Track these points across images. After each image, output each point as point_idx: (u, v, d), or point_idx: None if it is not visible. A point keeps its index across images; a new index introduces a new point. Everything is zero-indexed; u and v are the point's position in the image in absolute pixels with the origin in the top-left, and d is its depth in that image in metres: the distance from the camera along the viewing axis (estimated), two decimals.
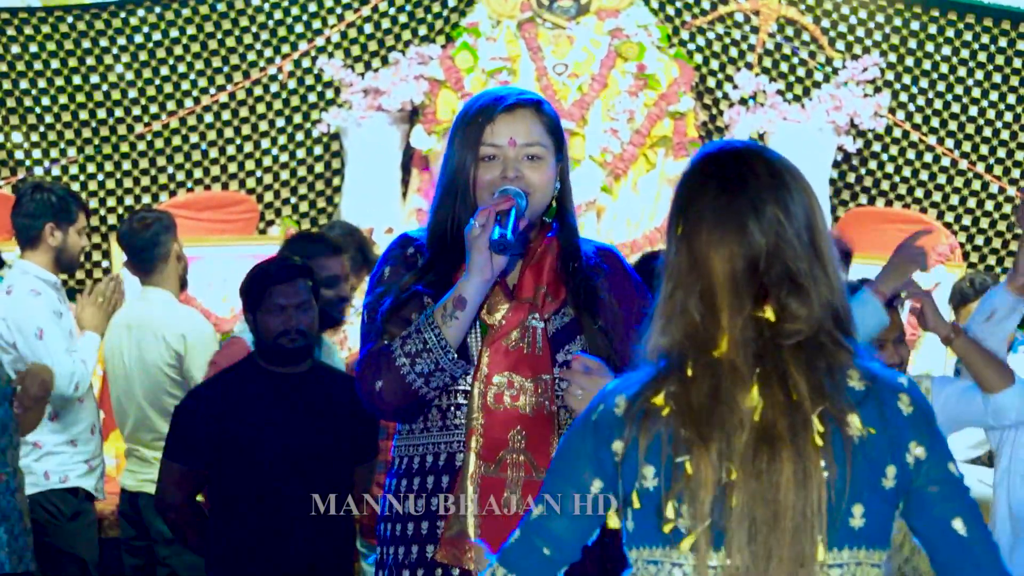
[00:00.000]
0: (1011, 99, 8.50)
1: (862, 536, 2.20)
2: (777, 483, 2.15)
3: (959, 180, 8.57)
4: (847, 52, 8.53)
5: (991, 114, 8.52)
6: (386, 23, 8.66)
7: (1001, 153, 8.53)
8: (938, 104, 8.54)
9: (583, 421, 2.29)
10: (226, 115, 8.65)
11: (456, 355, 3.13)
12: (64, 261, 6.05)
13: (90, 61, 8.57)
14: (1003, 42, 8.48)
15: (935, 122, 8.55)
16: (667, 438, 2.19)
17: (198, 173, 8.66)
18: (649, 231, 8.16)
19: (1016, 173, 8.53)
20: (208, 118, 8.65)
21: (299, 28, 8.64)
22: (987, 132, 8.53)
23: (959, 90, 8.52)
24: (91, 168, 8.60)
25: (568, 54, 8.48)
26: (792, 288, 2.22)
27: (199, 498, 5.12)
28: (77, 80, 8.57)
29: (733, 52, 8.63)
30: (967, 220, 8.58)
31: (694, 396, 2.19)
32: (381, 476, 4.79)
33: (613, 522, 2.26)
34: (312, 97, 8.66)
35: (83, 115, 8.59)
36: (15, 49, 8.54)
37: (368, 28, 8.66)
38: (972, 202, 8.57)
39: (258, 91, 8.65)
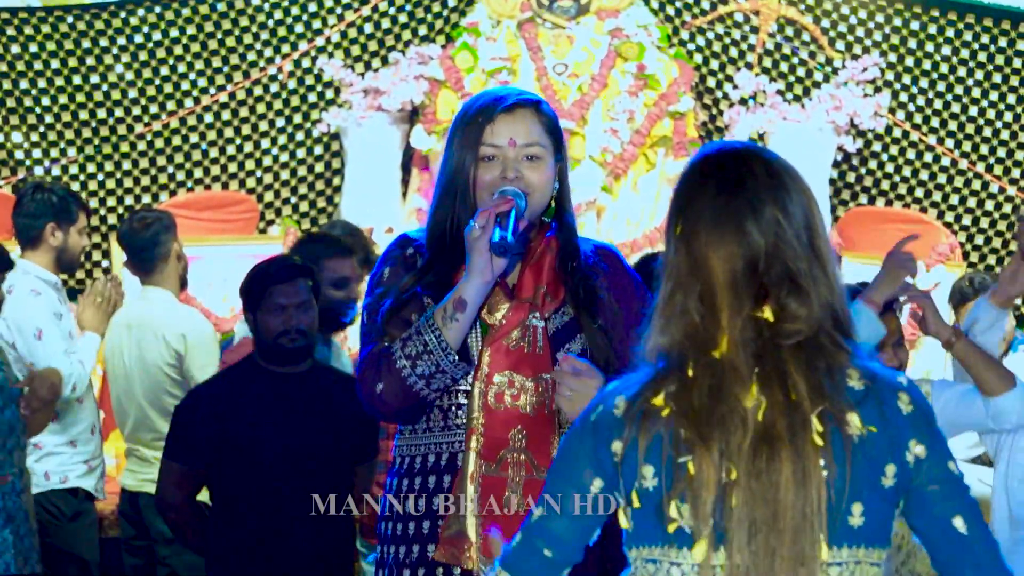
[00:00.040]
0: (1011, 99, 8.50)
1: (861, 535, 2.20)
2: (777, 483, 2.15)
3: (959, 180, 8.57)
4: (847, 52, 8.53)
5: (991, 114, 8.52)
6: (386, 23, 8.67)
7: (1001, 153, 8.54)
8: (938, 104, 8.54)
9: (583, 422, 2.29)
10: (226, 115, 8.66)
11: (457, 357, 3.13)
12: (65, 261, 6.06)
13: (90, 61, 8.57)
14: (1003, 42, 8.48)
15: (935, 122, 8.56)
16: (667, 438, 2.20)
17: (198, 173, 8.67)
18: (649, 231, 8.16)
19: (1016, 173, 8.53)
20: (208, 118, 8.65)
21: (299, 28, 8.64)
22: (987, 132, 8.53)
23: (959, 90, 8.52)
24: (91, 168, 8.61)
25: (568, 54, 8.48)
26: (792, 288, 2.22)
27: (202, 496, 5.12)
28: (77, 80, 8.57)
29: (733, 52, 8.64)
30: (967, 220, 8.58)
31: (694, 396, 2.19)
32: (381, 476, 4.80)
33: (624, 521, 2.26)
34: (312, 97, 8.66)
35: (83, 115, 8.59)
36: (15, 49, 8.54)
37: (368, 28, 8.66)
38: (972, 202, 8.58)
39: (258, 91, 8.66)
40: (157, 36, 8.58)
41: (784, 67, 8.60)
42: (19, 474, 5.02)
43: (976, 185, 8.56)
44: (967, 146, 8.54)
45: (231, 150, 8.68)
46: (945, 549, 2.27)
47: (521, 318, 3.22)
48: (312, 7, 8.62)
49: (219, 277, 8.01)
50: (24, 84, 8.56)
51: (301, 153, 8.69)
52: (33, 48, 8.55)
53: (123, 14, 8.57)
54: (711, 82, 8.66)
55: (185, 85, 8.62)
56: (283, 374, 4.97)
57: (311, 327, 4.98)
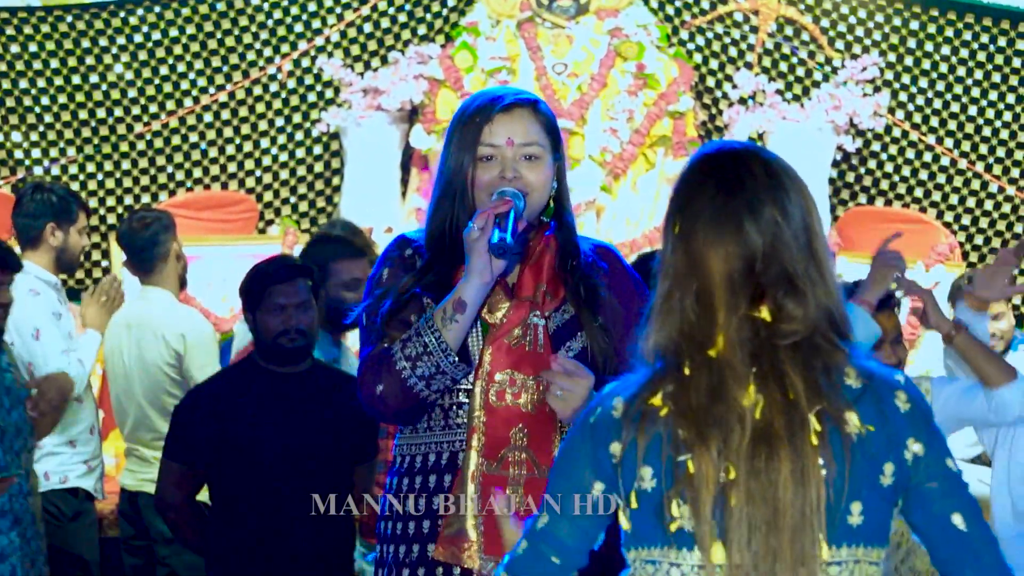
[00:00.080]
0: (1011, 99, 8.50)
1: (861, 534, 2.20)
2: (776, 482, 2.15)
3: (959, 180, 8.57)
4: (846, 52, 8.53)
5: (991, 114, 8.52)
6: (386, 22, 8.66)
7: (1001, 153, 8.53)
8: (938, 104, 8.54)
9: (581, 425, 2.29)
10: (226, 115, 8.66)
11: (457, 358, 3.13)
12: (65, 261, 6.06)
13: (90, 61, 8.57)
14: (1003, 42, 8.48)
15: (934, 122, 8.56)
16: (666, 438, 2.20)
17: (198, 173, 8.67)
18: (649, 231, 8.16)
19: (1016, 173, 8.53)
20: (208, 118, 8.65)
21: (299, 28, 8.64)
22: (987, 132, 8.53)
23: (959, 90, 8.52)
24: (91, 168, 8.60)
25: (567, 54, 8.48)
26: (789, 289, 2.22)
27: (202, 496, 5.12)
28: (77, 80, 8.57)
29: (732, 52, 8.64)
30: (967, 220, 8.58)
31: (692, 395, 2.19)
32: (382, 476, 4.80)
33: (624, 522, 2.26)
34: (312, 97, 8.66)
35: (83, 115, 8.59)
36: (15, 49, 8.54)
37: (368, 27, 8.66)
38: (972, 202, 8.58)
39: (258, 91, 8.65)
40: (157, 36, 8.58)
41: (783, 67, 8.60)
42: (26, 476, 5.01)
43: (975, 185, 8.56)
44: (967, 146, 8.54)
45: (231, 150, 8.68)
46: (944, 546, 2.27)
47: (522, 317, 3.23)
48: (312, 7, 8.62)
49: (219, 277, 8.01)
50: (24, 84, 8.56)
51: (301, 153, 8.69)
52: (33, 48, 8.54)
53: (123, 14, 8.57)
54: (710, 82, 8.66)
55: (185, 85, 8.62)
56: (283, 374, 4.97)
57: (311, 327, 4.98)
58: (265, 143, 8.67)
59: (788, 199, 2.25)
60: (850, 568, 2.20)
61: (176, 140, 8.63)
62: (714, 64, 8.65)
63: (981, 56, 8.49)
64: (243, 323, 5.42)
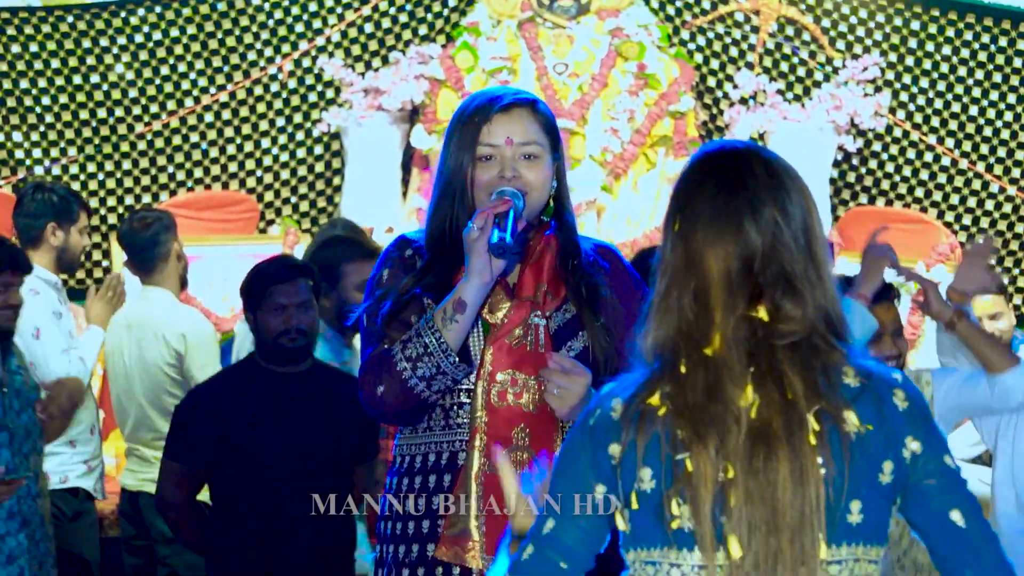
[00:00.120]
0: (1011, 99, 8.50)
1: (860, 532, 2.20)
2: (775, 482, 2.15)
3: (959, 180, 8.57)
4: (847, 52, 8.53)
5: (991, 114, 8.52)
6: (386, 23, 8.66)
7: (1001, 153, 8.54)
8: (938, 104, 8.54)
9: (581, 427, 2.29)
10: (226, 115, 8.66)
11: (457, 358, 3.13)
12: (66, 261, 6.06)
13: (90, 61, 8.57)
14: (1003, 42, 8.48)
15: (935, 122, 8.56)
16: (664, 438, 2.20)
17: (198, 173, 8.67)
18: (649, 230, 8.16)
19: (1016, 173, 8.53)
20: (208, 118, 8.65)
21: (299, 28, 8.64)
22: (987, 132, 8.53)
23: (959, 90, 8.52)
24: (91, 168, 8.60)
25: (568, 54, 8.48)
26: (787, 289, 2.22)
27: (202, 496, 5.12)
28: (77, 80, 8.57)
29: (733, 52, 8.64)
30: (967, 220, 8.58)
31: (688, 394, 2.19)
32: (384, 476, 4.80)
33: (621, 523, 2.26)
34: (312, 97, 8.66)
35: (83, 115, 8.59)
36: (15, 49, 8.54)
37: (368, 27, 8.66)
38: (972, 202, 8.58)
39: (258, 91, 8.65)
40: (157, 36, 8.58)
41: (784, 67, 8.60)
42: (35, 478, 5.00)
43: (976, 185, 8.56)
44: (967, 146, 8.54)
45: (231, 150, 8.68)
46: (944, 543, 2.26)
47: (523, 316, 3.23)
48: (312, 7, 8.62)
49: (219, 277, 8.01)
50: (24, 84, 8.56)
51: (301, 153, 8.69)
52: (33, 48, 8.54)
53: (123, 14, 8.57)
54: (711, 82, 8.66)
55: (185, 85, 8.62)
56: (283, 374, 4.97)
57: (311, 327, 4.99)
58: (266, 143, 8.68)
59: (789, 199, 2.25)
60: (850, 567, 2.20)
61: (177, 140, 8.63)
62: (715, 64, 8.65)
63: (982, 56, 8.49)
64: (244, 323, 5.42)
